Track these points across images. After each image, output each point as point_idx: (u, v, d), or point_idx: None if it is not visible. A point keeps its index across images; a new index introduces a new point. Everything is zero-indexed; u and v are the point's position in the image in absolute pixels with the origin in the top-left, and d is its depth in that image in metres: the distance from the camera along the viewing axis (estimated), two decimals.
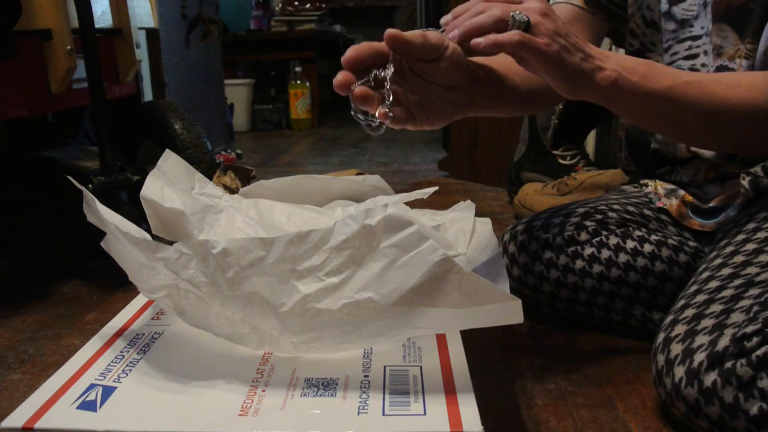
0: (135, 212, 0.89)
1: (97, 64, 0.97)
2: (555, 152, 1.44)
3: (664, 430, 0.59)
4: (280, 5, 3.34)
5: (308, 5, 3.31)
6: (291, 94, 3.16)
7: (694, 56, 0.77)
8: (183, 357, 0.55)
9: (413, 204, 0.81)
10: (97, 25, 0.99)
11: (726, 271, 0.63)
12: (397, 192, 0.83)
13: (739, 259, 0.63)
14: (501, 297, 0.47)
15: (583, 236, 0.78)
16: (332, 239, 0.49)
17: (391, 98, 0.56)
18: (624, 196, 0.85)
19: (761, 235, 0.65)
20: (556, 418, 0.61)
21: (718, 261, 0.65)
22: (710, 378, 0.53)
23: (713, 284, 0.62)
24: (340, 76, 0.55)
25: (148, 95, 1.79)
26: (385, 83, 0.56)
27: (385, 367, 0.52)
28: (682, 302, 0.62)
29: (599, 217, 0.79)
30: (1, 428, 0.47)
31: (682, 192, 0.81)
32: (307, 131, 3.16)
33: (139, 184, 0.75)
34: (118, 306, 0.89)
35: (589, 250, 0.77)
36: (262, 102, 3.25)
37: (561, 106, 1.39)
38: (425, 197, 0.72)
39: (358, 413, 0.46)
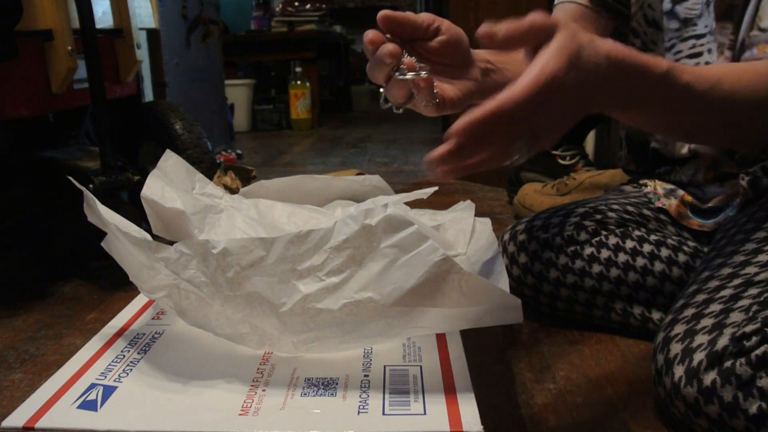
0: (135, 212, 0.89)
1: (98, 64, 0.98)
2: (554, 152, 1.44)
3: (663, 429, 0.59)
4: (280, 6, 3.34)
5: (308, 6, 3.31)
6: (291, 94, 3.16)
7: (698, 54, 0.78)
8: (183, 357, 0.56)
9: (413, 204, 0.81)
10: (97, 26, 0.99)
11: (725, 271, 0.63)
12: (397, 192, 0.83)
13: (738, 258, 0.64)
14: (501, 297, 0.47)
15: (583, 236, 0.78)
16: (332, 239, 0.49)
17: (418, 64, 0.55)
18: (623, 196, 0.85)
19: (760, 234, 0.65)
20: (556, 418, 0.61)
21: (718, 261, 0.65)
22: (709, 377, 0.53)
23: (713, 284, 0.62)
24: (372, 34, 0.55)
25: (148, 95, 1.79)
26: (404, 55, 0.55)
27: (385, 366, 0.53)
28: (681, 302, 0.62)
29: (599, 217, 0.79)
30: (1, 428, 0.47)
31: (681, 192, 0.81)
32: (308, 131, 3.16)
33: (140, 184, 0.75)
34: (118, 306, 0.89)
35: (588, 250, 0.77)
36: (262, 102, 3.25)
37: None
38: (425, 197, 0.72)
39: (358, 413, 0.46)
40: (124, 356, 0.56)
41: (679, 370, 0.55)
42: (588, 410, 0.63)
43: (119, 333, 0.61)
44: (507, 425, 0.60)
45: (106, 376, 0.52)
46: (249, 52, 3.27)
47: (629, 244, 0.76)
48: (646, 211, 0.82)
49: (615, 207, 0.81)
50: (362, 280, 0.49)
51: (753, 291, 0.58)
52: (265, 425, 0.45)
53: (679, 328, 0.58)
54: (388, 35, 0.56)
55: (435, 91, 0.58)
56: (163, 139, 1.16)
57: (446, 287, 0.47)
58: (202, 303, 0.52)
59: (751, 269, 0.61)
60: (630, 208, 0.81)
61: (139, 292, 0.65)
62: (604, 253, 0.76)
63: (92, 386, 0.51)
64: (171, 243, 0.52)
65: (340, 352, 0.54)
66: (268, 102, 3.24)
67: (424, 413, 0.46)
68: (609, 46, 0.50)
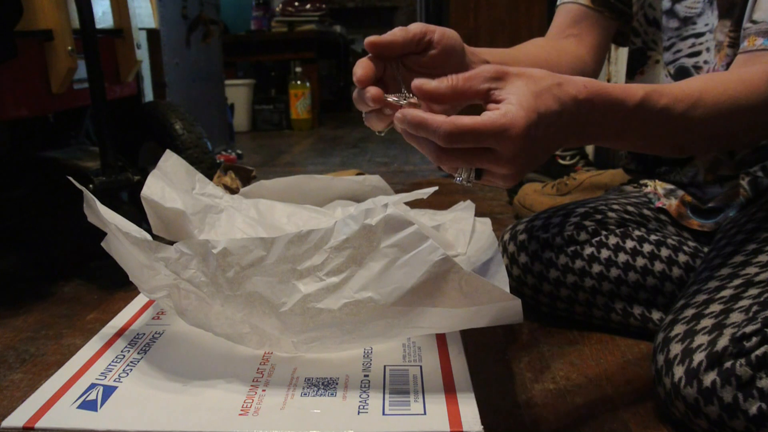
0: (135, 212, 0.89)
1: (98, 64, 0.98)
2: (554, 152, 1.44)
3: (663, 429, 0.59)
4: (280, 6, 3.34)
5: (308, 6, 3.31)
6: (291, 94, 3.16)
7: (697, 53, 0.78)
8: (183, 357, 0.56)
9: (413, 204, 0.81)
10: (97, 26, 0.99)
11: (725, 271, 0.63)
12: (397, 192, 0.83)
13: (738, 259, 0.64)
14: (501, 297, 0.47)
15: (583, 236, 0.78)
16: (332, 239, 0.49)
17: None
18: (623, 196, 0.85)
19: (760, 235, 0.65)
20: (556, 418, 0.61)
21: (718, 261, 0.65)
22: (709, 378, 0.53)
23: (713, 284, 0.62)
24: (360, 72, 0.54)
25: (148, 95, 1.79)
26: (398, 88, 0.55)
27: (385, 366, 0.53)
28: (681, 302, 0.62)
29: (599, 217, 0.79)
30: (2, 428, 0.47)
31: (681, 192, 0.82)
32: (308, 131, 3.16)
33: (140, 185, 0.75)
34: (118, 306, 0.89)
35: (588, 250, 0.77)
36: (262, 102, 3.25)
37: None
38: (425, 197, 0.72)
39: (358, 413, 0.46)
40: (124, 356, 0.56)
41: (679, 371, 0.55)
42: (588, 410, 0.63)
43: (119, 333, 0.61)
44: (507, 425, 0.60)
45: (106, 376, 0.52)
46: (249, 52, 3.27)
47: (629, 244, 0.76)
48: (646, 211, 0.82)
49: (615, 207, 0.81)
50: (362, 280, 0.49)
51: (753, 291, 0.58)
52: (265, 425, 0.45)
53: (679, 329, 0.58)
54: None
55: None
56: (163, 139, 1.16)
57: (446, 287, 0.47)
58: (202, 303, 0.52)
59: (751, 269, 0.61)
60: (630, 208, 0.81)
61: (139, 292, 0.65)
62: (604, 253, 0.76)
63: (92, 386, 0.51)
64: (171, 243, 0.52)
65: (340, 352, 0.54)
66: (268, 102, 3.24)
67: (424, 413, 0.46)
68: (577, 87, 0.49)
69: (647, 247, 0.76)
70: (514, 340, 0.79)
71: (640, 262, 0.75)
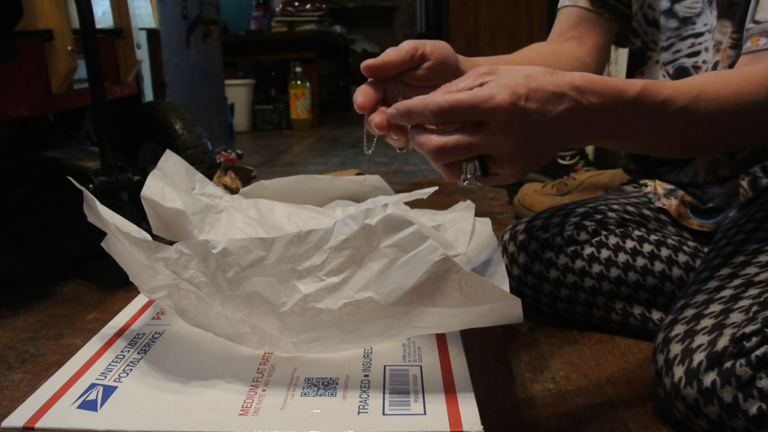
0: (135, 212, 0.89)
1: (98, 64, 0.98)
2: (561, 149, 1.44)
3: (663, 429, 0.59)
4: (280, 6, 3.34)
5: (308, 6, 3.31)
6: (291, 94, 3.16)
7: (697, 53, 0.78)
8: (183, 357, 0.56)
9: (413, 204, 0.81)
10: (97, 26, 0.99)
11: (725, 271, 0.63)
12: (397, 192, 0.83)
13: (738, 259, 0.64)
14: (501, 297, 0.47)
15: (583, 236, 0.78)
16: (332, 239, 0.50)
17: None
18: (623, 196, 0.85)
19: (760, 235, 0.65)
20: (556, 418, 0.61)
21: (718, 261, 0.65)
22: (709, 378, 0.53)
23: (713, 284, 0.62)
24: (360, 98, 0.55)
25: (148, 95, 1.79)
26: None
27: (385, 366, 0.53)
28: (681, 302, 0.62)
29: (599, 217, 0.79)
30: (2, 428, 0.47)
31: (681, 192, 0.82)
32: (308, 131, 3.16)
33: (140, 185, 0.75)
34: (118, 306, 0.89)
35: (588, 250, 0.77)
36: (262, 102, 3.25)
37: None
38: (425, 197, 0.73)
39: (359, 413, 0.46)
40: (124, 356, 0.56)
41: (679, 371, 0.55)
42: (588, 410, 0.63)
43: (119, 333, 0.61)
44: (507, 425, 0.60)
45: (106, 376, 0.52)
46: (249, 52, 3.27)
47: (629, 244, 0.76)
48: (646, 211, 0.82)
49: (615, 207, 0.81)
50: (362, 280, 0.49)
51: (753, 291, 0.58)
52: (265, 425, 0.45)
53: (679, 329, 0.58)
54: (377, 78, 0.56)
55: None
56: (163, 139, 1.16)
57: (446, 287, 0.47)
58: (202, 303, 0.52)
59: (751, 269, 0.61)
60: (630, 208, 0.81)
61: (139, 292, 0.65)
62: (604, 253, 0.76)
63: (92, 386, 0.51)
64: (171, 243, 0.52)
65: (340, 352, 0.54)
66: (268, 102, 3.24)
67: (424, 413, 0.46)
68: (573, 76, 0.49)
69: (647, 247, 0.76)
70: (514, 340, 0.79)
71: (640, 262, 0.75)
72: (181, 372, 0.53)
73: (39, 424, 0.46)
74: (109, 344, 0.58)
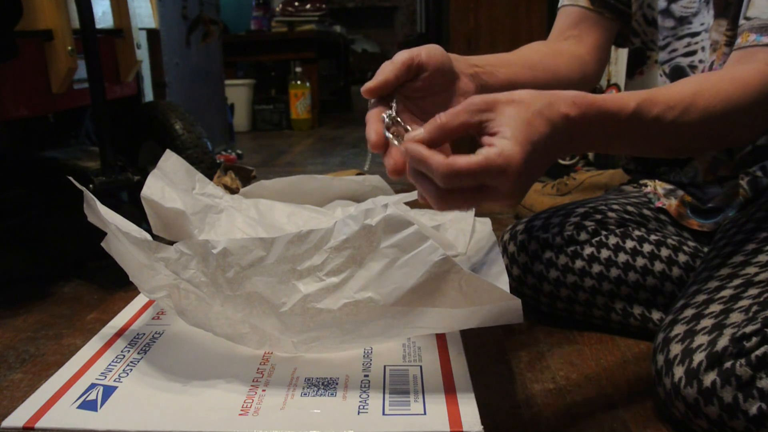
0: (136, 212, 0.89)
1: (98, 64, 0.98)
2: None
3: (663, 429, 0.59)
4: (280, 6, 3.34)
5: (308, 6, 3.31)
6: (291, 94, 3.16)
7: (693, 53, 0.78)
8: (183, 357, 0.56)
9: (413, 204, 0.81)
10: (98, 26, 0.99)
11: (725, 271, 0.63)
12: (397, 192, 0.83)
13: (738, 259, 0.64)
14: (501, 297, 0.47)
15: (583, 236, 0.78)
16: (332, 239, 0.50)
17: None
18: (623, 196, 0.85)
19: (760, 235, 0.65)
20: (556, 418, 0.61)
21: (717, 261, 0.65)
22: (709, 378, 0.53)
23: (712, 284, 0.62)
24: (374, 137, 0.54)
25: (148, 95, 1.79)
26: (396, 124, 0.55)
27: (385, 366, 0.53)
28: (681, 302, 0.62)
29: (599, 217, 0.79)
30: (2, 428, 0.47)
31: (681, 192, 0.82)
32: (308, 131, 3.16)
33: (140, 185, 0.75)
34: (118, 306, 0.89)
35: (588, 250, 0.77)
36: (262, 102, 3.25)
37: None
38: None
39: (358, 413, 0.46)
40: (124, 356, 0.56)
41: (679, 371, 0.55)
42: (588, 410, 0.63)
43: (119, 333, 0.61)
44: (507, 425, 0.60)
45: (106, 376, 0.52)
46: (249, 52, 3.27)
47: (629, 244, 0.76)
48: (646, 211, 0.82)
49: (615, 207, 0.81)
50: (362, 280, 0.49)
51: (753, 291, 0.58)
52: (265, 425, 0.45)
53: (679, 329, 0.58)
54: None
55: None
56: (163, 139, 1.16)
57: (446, 287, 0.47)
58: (202, 303, 0.52)
59: (750, 269, 0.61)
60: (630, 208, 0.81)
61: (139, 292, 0.65)
62: (604, 253, 0.76)
63: (92, 386, 0.51)
64: (171, 243, 0.52)
65: (340, 352, 0.54)
66: (268, 102, 3.24)
67: (424, 413, 0.46)
68: (567, 104, 0.49)
69: (647, 247, 0.76)
70: (514, 340, 0.79)
71: (640, 262, 0.75)
72: (181, 372, 0.53)
73: (39, 424, 0.46)
74: (109, 344, 0.58)
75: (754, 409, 0.51)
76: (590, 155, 1.61)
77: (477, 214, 0.79)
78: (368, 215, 0.49)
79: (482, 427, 0.44)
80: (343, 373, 0.52)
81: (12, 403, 0.66)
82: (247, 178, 1.43)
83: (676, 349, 0.57)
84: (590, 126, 0.50)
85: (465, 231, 0.75)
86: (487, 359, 0.74)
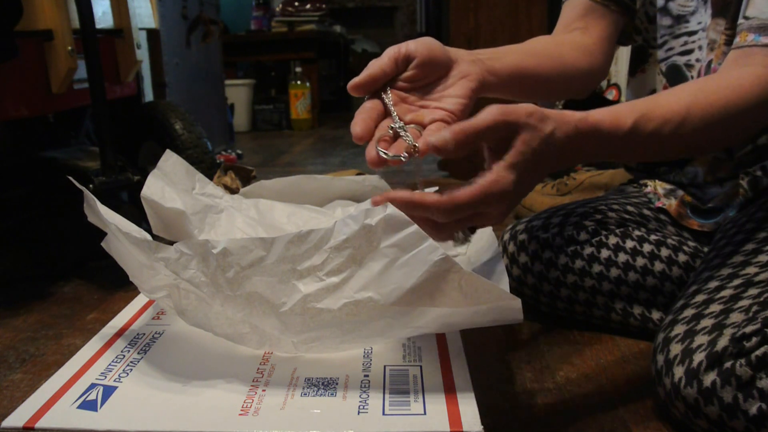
0: (136, 212, 0.89)
1: (98, 64, 0.97)
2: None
3: (663, 429, 0.59)
4: (280, 6, 3.34)
5: (308, 6, 3.31)
6: (291, 94, 3.16)
7: (690, 51, 0.78)
8: (183, 357, 0.56)
9: None
10: (97, 26, 0.99)
11: (725, 271, 0.63)
12: None
13: (738, 259, 0.64)
14: (501, 296, 0.47)
15: (583, 236, 0.78)
16: (332, 239, 0.49)
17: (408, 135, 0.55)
18: (623, 196, 0.85)
19: (760, 235, 0.65)
20: (556, 418, 0.61)
21: (717, 261, 0.65)
22: (709, 378, 0.53)
23: (712, 284, 0.62)
24: (358, 128, 0.56)
25: (148, 95, 1.79)
26: (396, 129, 0.56)
27: (385, 366, 0.53)
28: (681, 302, 0.62)
29: (598, 216, 0.79)
30: (2, 428, 0.47)
31: (681, 192, 0.81)
32: (308, 131, 3.16)
33: (140, 185, 0.75)
34: (118, 306, 0.89)
35: (588, 250, 0.77)
36: (262, 102, 3.25)
37: (560, 107, 1.39)
38: None
39: (358, 413, 0.46)
40: (124, 356, 0.56)
41: (679, 371, 0.55)
42: (588, 410, 0.63)
43: (119, 333, 0.61)
44: (507, 425, 0.60)
45: (106, 376, 0.52)
46: (249, 52, 3.27)
47: (629, 244, 0.76)
48: (646, 211, 0.82)
49: (615, 207, 0.81)
50: (362, 280, 0.48)
51: (753, 291, 0.58)
52: (265, 425, 0.45)
53: (679, 329, 0.58)
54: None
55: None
56: (163, 139, 1.16)
57: (446, 287, 0.47)
58: (202, 303, 0.52)
59: (751, 269, 0.61)
60: (630, 208, 0.81)
61: (139, 292, 0.65)
62: (604, 253, 0.76)
63: (92, 386, 0.51)
64: (171, 243, 0.52)
65: (340, 352, 0.54)
66: (268, 102, 3.24)
67: (424, 413, 0.46)
68: (569, 130, 0.50)
69: (647, 247, 0.76)
70: (514, 340, 0.79)
71: (640, 262, 0.75)
72: (181, 372, 0.53)
73: (39, 424, 0.46)
74: (109, 344, 0.58)
75: (754, 409, 0.51)
76: None
77: None
78: (368, 215, 0.49)
79: (482, 427, 0.44)
80: (343, 373, 0.52)
81: (12, 403, 0.66)
82: (247, 178, 1.43)
83: (676, 349, 0.57)
84: (586, 143, 0.52)
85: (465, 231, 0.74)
86: (487, 359, 0.73)
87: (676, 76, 0.79)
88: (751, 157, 0.76)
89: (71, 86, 1.04)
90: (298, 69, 3.17)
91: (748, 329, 0.53)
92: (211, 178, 1.13)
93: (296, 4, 3.30)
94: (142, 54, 1.26)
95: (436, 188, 0.74)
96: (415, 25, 4.50)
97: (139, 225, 0.57)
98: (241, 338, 0.53)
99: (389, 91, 0.57)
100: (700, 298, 0.61)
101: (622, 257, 0.76)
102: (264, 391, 0.50)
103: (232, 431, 0.45)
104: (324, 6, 3.36)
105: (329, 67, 4.04)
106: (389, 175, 0.76)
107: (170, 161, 0.74)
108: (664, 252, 0.75)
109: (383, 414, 0.46)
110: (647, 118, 0.55)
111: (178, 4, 1.97)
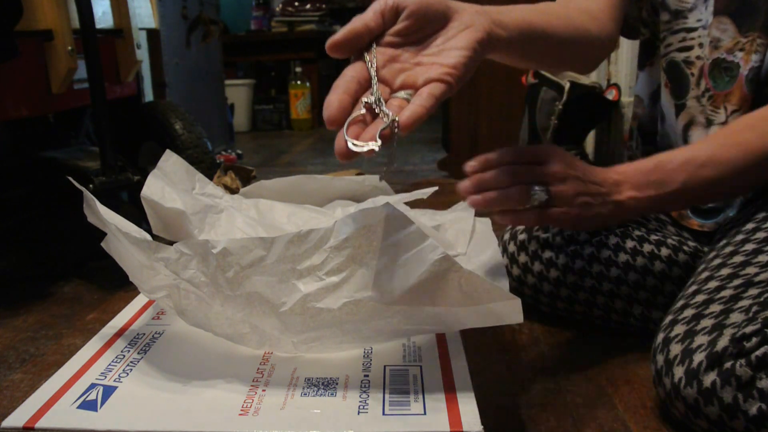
0: (136, 212, 0.89)
1: (98, 64, 0.98)
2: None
3: (663, 429, 0.59)
4: (280, 6, 3.34)
5: (308, 6, 3.31)
6: (291, 94, 3.16)
7: (688, 48, 0.77)
8: (183, 357, 0.56)
9: (413, 204, 0.81)
10: (97, 26, 0.99)
11: (725, 271, 0.63)
12: (397, 192, 0.83)
13: (738, 259, 0.63)
14: (501, 296, 0.47)
15: (583, 236, 0.78)
16: (332, 239, 0.49)
17: (388, 118, 0.48)
18: None
19: (760, 235, 0.65)
20: (555, 418, 0.61)
21: (718, 261, 0.65)
22: (709, 378, 0.53)
23: (712, 284, 0.62)
24: (332, 111, 0.48)
25: (148, 95, 1.79)
26: (376, 110, 0.49)
27: (385, 366, 0.53)
28: (681, 302, 0.62)
29: None
30: (2, 428, 0.47)
31: None
32: (308, 131, 3.16)
33: (140, 185, 0.75)
34: (118, 306, 0.89)
35: (588, 250, 0.77)
36: (262, 102, 3.25)
37: (560, 107, 1.39)
38: (425, 197, 0.72)
39: (358, 413, 0.46)
40: (124, 356, 0.56)
41: (678, 371, 0.55)
42: (588, 410, 0.63)
43: (119, 333, 0.61)
44: (507, 425, 0.60)
45: (106, 376, 0.52)
46: (249, 52, 3.27)
47: (629, 243, 0.76)
48: None
49: None
50: (362, 280, 0.49)
51: (753, 291, 0.58)
52: (265, 425, 0.45)
53: (679, 329, 0.58)
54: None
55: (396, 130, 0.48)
56: (163, 139, 1.16)
57: (446, 286, 0.47)
58: (202, 303, 0.52)
59: (751, 270, 0.61)
60: None
61: (139, 292, 0.65)
62: (604, 253, 0.76)
63: (92, 386, 0.51)
64: (171, 243, 0.52)
65: (340, 352, 0.54)
66: (268, 102, 3.24)
67: (424, 413, 0.46)
68: (619, 181, 0.64)
69: (647, 247, 0.76)
70: (514, 340, 0.79)
71: (640, 261, 0.75)
72: (181, 372, 0.53)
73: (39, 424, 0.46)
74: (109, 344, 0.58)
75: (754, 410, 0.51)
76: (591, 155, 1.61)
77: (477, 214, 0.79)
78: (368, 215, 0.49)
79: (482, 427, 0.44)
80: (343, 373, 0.52)
81: (12, 403, 0.66)
82: (247, 178, 1.43)
83: (676, 349, 0.57)
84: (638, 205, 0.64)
85: (465, 231, 0.74)
86: (487, 359, 0.73)
87: (675, 73, 0.79)
88: None
89: (71, 86, 1.04)
90: (298, 69, 3.17)
91: (748, 329, 0.53)
92: (211, 178, 1.13)
93: (296, 4, 3.30)
94: (142, 54, 1.26)
95: (436, 188, 0.74)
96: None
97: (139, 225, 0.57)
98: (241, 338, 0.53)
99: (374, 51, 0.49)
100: (700, 298, 0.61)
101: (622, 257, 0.76)
102: (264, 391, 0.50)
103: (232, 431, 0.45)
104: (324, 6, 3.35)
105: (329, 67, 4.04)
106: (389, 175, 0.76)
107: (170, 161, 0.74)
108: (664, 252, 0.75)
109: (383, 414, 0.46)
110: (697, 176, 0.64)
111: (178, 4, 1.97)
